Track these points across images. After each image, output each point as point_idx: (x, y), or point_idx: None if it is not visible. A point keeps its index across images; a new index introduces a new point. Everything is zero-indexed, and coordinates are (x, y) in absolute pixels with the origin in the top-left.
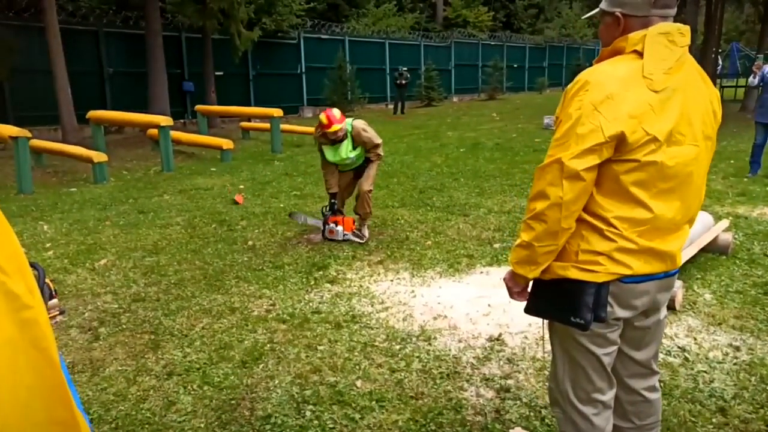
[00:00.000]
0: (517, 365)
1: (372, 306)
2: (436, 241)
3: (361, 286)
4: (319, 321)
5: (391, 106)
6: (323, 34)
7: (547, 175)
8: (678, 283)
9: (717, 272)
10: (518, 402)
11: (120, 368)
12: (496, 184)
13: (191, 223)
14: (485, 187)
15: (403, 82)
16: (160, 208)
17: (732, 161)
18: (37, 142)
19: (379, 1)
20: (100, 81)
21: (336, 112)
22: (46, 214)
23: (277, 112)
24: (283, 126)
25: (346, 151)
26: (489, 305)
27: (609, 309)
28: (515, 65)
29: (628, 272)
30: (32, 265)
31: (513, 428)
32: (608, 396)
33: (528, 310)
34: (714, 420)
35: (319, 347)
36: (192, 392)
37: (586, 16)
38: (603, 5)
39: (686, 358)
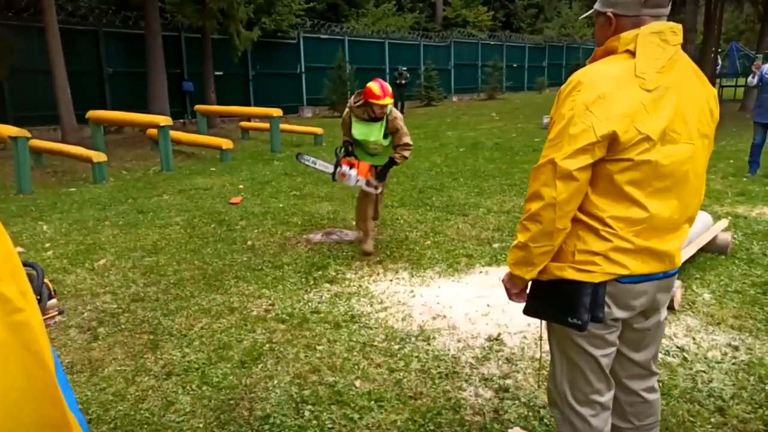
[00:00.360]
0: (516, 365)
1: (371, 306)
2: (436, 241)
3: (360, 285)
4: (318, 321)
5: None
6: (323, 33)
7: (541, 175)
8: (677, 283)
9: (716, 272)
10: (517, 402)
11: (119, 368)
12: (496, 184)
13: (190, 222)
14: (484, 186)
15: (403, 81)
16: (160, 208)
17: (731, 161)
18: (36, 142)
19: (379, 0)
20: (100, 81)
21: (388, 85)
22: (45, 214)
23: (276, 111)
24: (283, 126)
25: (378, 134)
26: (488, 305)
27: (607, 309)
28: (515, 65)
29: (625, 272)
30: (31, 265)
31: (512, 428)
32: (606, 397)
33: (526, 312)
34: (712, 420)
35: (318, 347)
36: (191, 392)
37: (583, 16)
38: (596, 5)
39: (685, 358)
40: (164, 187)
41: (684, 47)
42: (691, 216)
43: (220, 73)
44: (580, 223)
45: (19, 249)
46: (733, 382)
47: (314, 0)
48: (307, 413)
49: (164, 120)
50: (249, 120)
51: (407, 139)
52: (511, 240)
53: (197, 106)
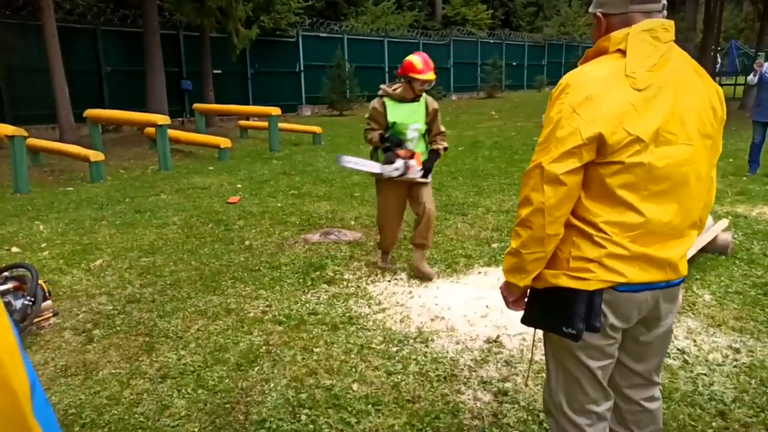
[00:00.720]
0: (515, 368)
1: (369, 307)
2: (434, 241)
3: (358, 286)
4: (316, 322)
5: None
6: (322, 32)
7: (530, 180)
8: None
9: (716, 273)
10: (516, 405)
11: (113, 371)
12: (495, 183)
13: (188, 222)
14: (483, 186)
15: None
16: (157, 208)
17: (731, 160)
18: (33, 141)
19: None
20: (98, 79)
21: (429, 59)
22: (42, 213)
23: (275, 110)
24: (281, 124)
25: (421, 116)
26: (487, 306)
27: (603, 318)
28: (514, 63)
29: (621, 280)
30: (26, 267)
31: None
32: (603, 407)
33: (524, 321)
34: (714, 424)
35: (316, 349)
36: (186, 396)
37: (582, 22)
38: (590, 8)
39: (686, 361)
40: (162, 186)
41: (684, 46)
42: (696, 220)
43: (219, 71)
44: (574, 229)
45: (15, 249)
46: (734, 386)
47: None
48: (303, 417)
49: (162, 119)
50: (247, 119)
51: (443, 127)
52: (510, 240)
53: (195, 105)
